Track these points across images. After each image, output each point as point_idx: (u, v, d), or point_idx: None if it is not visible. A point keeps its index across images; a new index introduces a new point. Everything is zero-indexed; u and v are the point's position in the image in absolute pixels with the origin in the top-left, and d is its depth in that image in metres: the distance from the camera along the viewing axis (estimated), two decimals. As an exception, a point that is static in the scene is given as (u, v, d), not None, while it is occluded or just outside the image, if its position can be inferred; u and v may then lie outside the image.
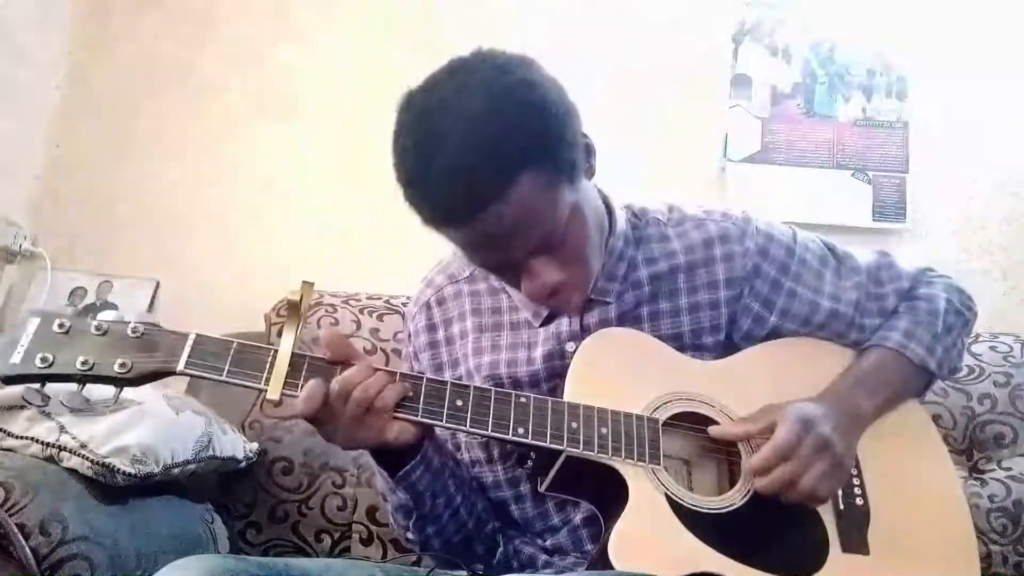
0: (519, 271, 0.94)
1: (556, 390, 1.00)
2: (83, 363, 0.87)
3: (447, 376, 1.10)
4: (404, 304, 1.68)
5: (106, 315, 0.91)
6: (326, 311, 1.67)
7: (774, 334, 1.09)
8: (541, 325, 1.08)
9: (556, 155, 0.90)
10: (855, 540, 0.97)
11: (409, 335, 1.18)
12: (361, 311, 1.68)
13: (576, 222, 0.94)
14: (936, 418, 1.50)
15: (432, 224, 0.92)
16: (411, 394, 0.91)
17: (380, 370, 0.91)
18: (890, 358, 1.08)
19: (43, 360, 0.86)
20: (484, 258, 0.95)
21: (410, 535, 1.07)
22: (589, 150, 0.98)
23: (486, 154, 0.85)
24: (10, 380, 0.87)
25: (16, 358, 0.86)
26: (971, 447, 1.53)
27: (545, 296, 0.96)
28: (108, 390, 0.89)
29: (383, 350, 1.62)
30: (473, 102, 0.87)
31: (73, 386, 0.88)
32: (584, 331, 1.05)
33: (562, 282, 0.95)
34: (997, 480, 1.47)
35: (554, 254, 0.93)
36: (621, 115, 1.87)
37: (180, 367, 0.88)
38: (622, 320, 1.06)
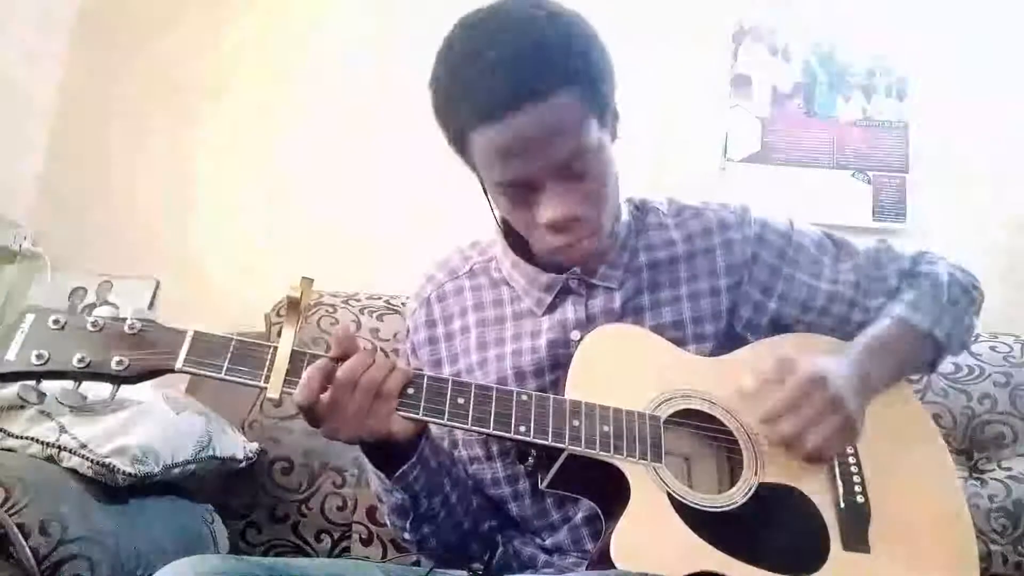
0: (537, 196, 0.95)
1: (560, 380, 1.00)
2: (79, 360, 0.85)
3: (446, 372, 1.09)
4: (404, 304, 1.68)
5: (102, 311, 0.90)
6: (326, 311, 1.67)
7: (776, 321, 1.09)
8: (544, 314, 1.08)
9: (597, 87, 0.93)
10: (856, 538, 0.97)
11: (408, 331, 1.17)
12: (361, 311, 1.68)
13: (600, 162, 0.95)
14: (936, 418, 1.50)
15: (463, 126, 0.92)
16: (412, 391, 0.91)
17: (381, 358, 0.90)
18: (897, 327, 1.07)
19: (39, 357, 0.84)
20: (508, 170, 0.93)
21: (407, 535, 1.06)
22: (616, 115, 1.01)
23: (540, 55, 0.88)
24: (5, 377, 0.85)
25: (11, 355, 0.85)
26: (971, 447, 1.53)
27: (560, 224, 0.95)
28: (105, 387, 0.87)
29: (383, 350, 1.62)
30: (535, 9, 0.91)
31: (69, 383, 0.86)
32: (589, 319, 1.05)
33: (577, 217, 0.95)
34: (997, 480, 1.47)
35: (575, 183, 0.94)
36: (621, 115, 1.87)
37: (178, 364, 0.87)
38: (625, 308, 1.06)
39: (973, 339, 1.19)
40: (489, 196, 1.02)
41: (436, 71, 0.95)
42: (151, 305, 1.93)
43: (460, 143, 0.95)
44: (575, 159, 0.92)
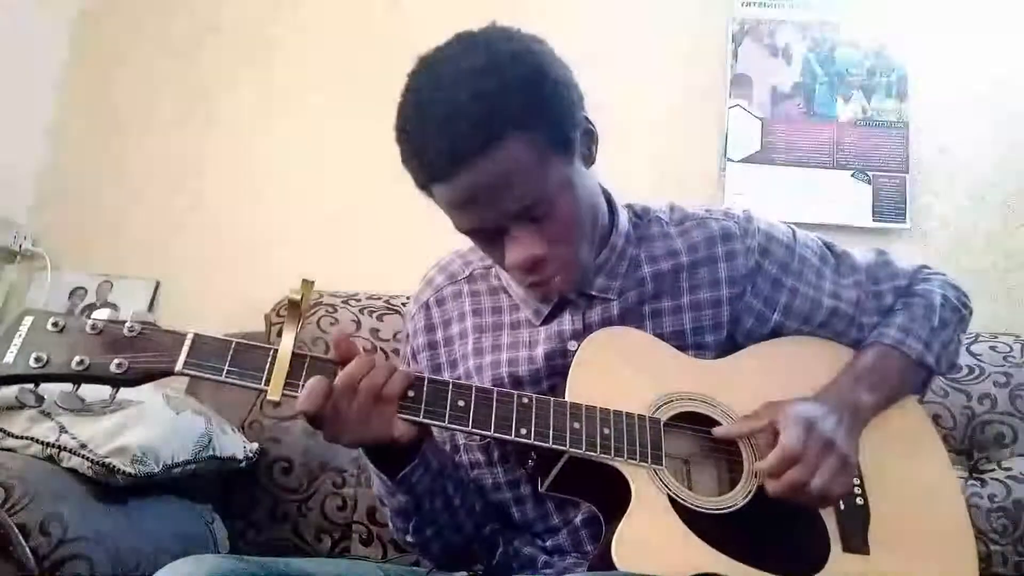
0: (503, 241, 0.94)
1: (557, 388, 1.00)
2: (78, 363, 0.84)
3: (445, 377, 1.09)
4: (404, 304, 1.68)
5: (101, 314, 0.89)
6: (326, 311, 1.67)
7: (776, 332, 1.09)
8: (542, 324, 1.07)
9: (550, 126, 0.91)
10: (856, 540, 0.97)
11: (408, 335, 1.18)
12: (361, 311, 1.68)
13: (566, 199, 0.94)
14: (936, 418, 1.51)
15: (423, 180, 0.93)
16: (412, 394, 0.91)
17: (381, 362, 0.90)
18: (888, 354, 1.08)
19: (37, 360, 0.84)
20: (466, 219, 0.94)
21: (409, 538, 1.07)
22: (591, 136, 0.99)
23: (477, 109, 0.87)
24: (3, 380, 0.85)
25: (9, 358, 0.84)
26: (971, 447, 1.53)
27: (526, 267, 0.95)
28: (104, 390, 0.87)
29: (383, 350, 1.62)
30: (475, 59, 0.89)
31: (68, 386, 0.86)
32: (586, 329, 1.05)
33: (544, 256, 0.94)
34: (997, 480, 1.47)
35: (539, 225, 0.93)
36: (621, 115, 1.87)
37: (178, 367, 0.86)
38: (624, 318, 1.05)
39: (967, 338, 1.19)
40: None
41: (396, 119, 0.95)
42: (151, 305, 1.93)
43: (423, 191, 0.96)
44: (534, 205, 0.91)
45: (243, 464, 1.47)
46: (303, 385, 0.87)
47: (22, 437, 1.19)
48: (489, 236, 0.96)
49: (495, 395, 0.93)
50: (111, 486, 1.19)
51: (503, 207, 0.91)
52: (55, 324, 0.86)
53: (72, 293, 1.94)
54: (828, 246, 1.15)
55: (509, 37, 0.93)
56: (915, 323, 1.09)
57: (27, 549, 1.02)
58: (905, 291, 1.14)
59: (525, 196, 0.90)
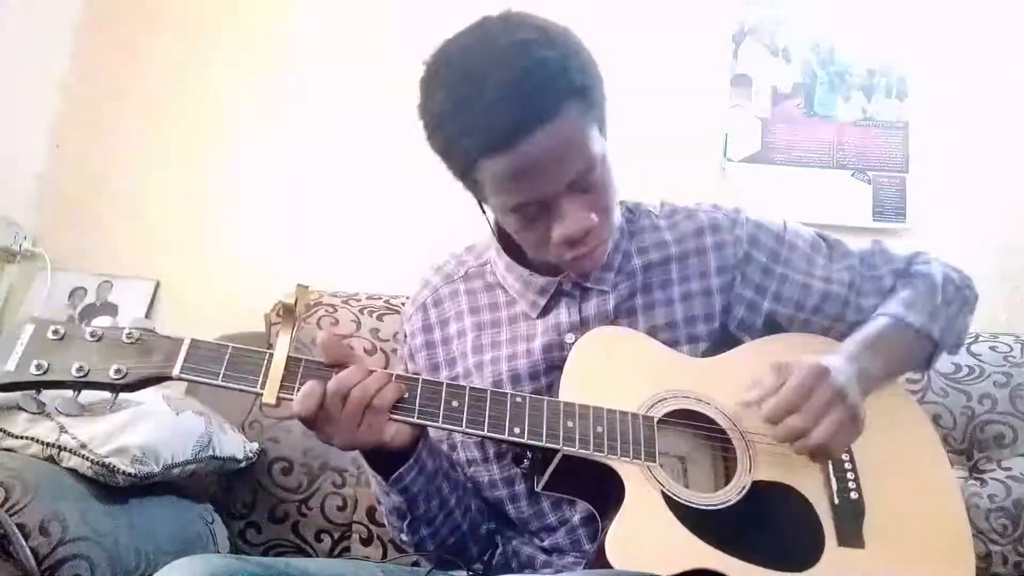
0: (550, 214, 0.94)
1: (555, 382, 1.00)
2: (78, 369, 0.86)
3: (443, 376, 1.10)
4: (404, 304, 1.68)
5: (100, 321, 0.91)
6: (326, 311, 1.67)
7: (769, 321, 1.10)
8: (539, 317, 1.08)
9: (594, 97, 0.94)
10: (851, 534, 0.97)
11: (405, 336, 1.18)
12: (361, 311, 1.68)
13: (605, 170, 0.96)
14: (936, 418, 1.51)
15: (473, 158, 0.92)
16: (407, 395, 0.91)
17: (376, 371, 0.91)
18: (892, 325, 1.07)
19: (38, 367, 0.86)
20: (522, 192, 0.93)
21: (404, 537, 1.07)
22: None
23: (538, 77, 0.88)
24: (5, 387, 0.87)
25: (11, 365, 0.86)
26: (971, 447, 1.53)
27: (578, 238, 0.95)
28: (104, 396, 0.89)
29: (383, 350, 1.62)
30: (519, 33, 0.91)
31: (69, 392, 0.88)
32: (583, 322, 1.05)
33: (591, 228, 0.95)
34: (997, 480, 1.47)
35: (587, 196, 0.95)
36: (620, 115, 1.86)
37: (175, 372, 0.88)
38: (618, 310, 1.06)
39: (968, 338, 1.19)
40: (495, 214, 1.02)
41: (429, 105, 0.94)
42: (151, 306, 1.92)
43: (467, 172, 0.95)
44: (586, 173, 0.93)
45: (243, 464, 1.48)
46: (298, 388, 0.88)
47: (22, 437, 1.19)
48: (534, 212, 0.95)
49: (488, 395, 0.93)
50: (111, 486, 1.20)
51: (561, 176, 0.92)
52: (55, 332, 0.88)
53: (72, 293, 1.94)
54: (821, 236, 1.16)
55: (536, 16, 0.95)
56: (918, 298, 1.09)
57: (27, 549, 1.02)
58: (904, 272, 1.14)
59: (581, 164, 0.92)
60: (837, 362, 0.97)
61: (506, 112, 0.88)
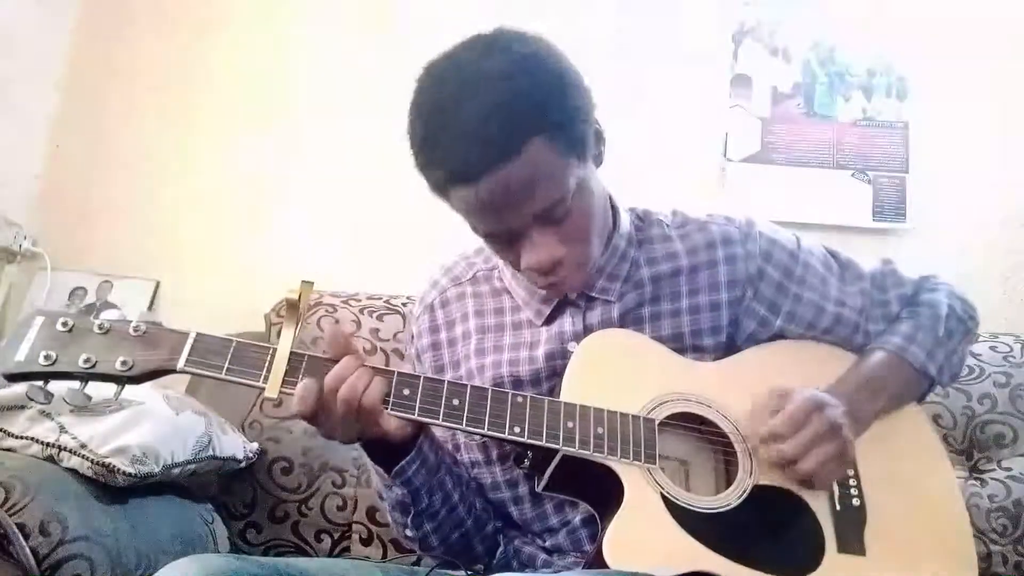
0: (519, 243, 0.95)
1: (556, 389, 1.01)
2: (85, 361, 0.88)
3: (448, 377, 1.10)
4: (404, 304, 1.68)
5: (109, 314, 0.92)
6: (326, 311, 1.67)
7: (779, 337, 1.09)
8: (543, 324, 1.08)
9: (570, 127, 0.92)
10: (851, 540, 0.97)
11: (412, 336, 1.18)
12: (361, 311, 1.68)
13: (581, 199, 0.95)
14: (936, 418, 1.51)
15: (443, 185, 0.93)
16: (408, 392, 0.92)
17: (365, 366, 0.91)
18: (891, 361, 1.08)
19: (47, 358, 0.87)
20: (488, 223, 0.95)
21: (408, 532, 1.07)
22: (599, 137, 1.00)
23: (503, 114, 0.87)
24: (14, 377, 0.88)
25: (20, 355, 0.88)
26: (971, 447, 1.53)
27: (545, 268, 0.96)
28: (109, 388, 0.90)
29: (383, 350, 1.63)
30: (493, 64, 0.90)
31: (75, 384, 0.89)
32: (587, 330, 1.05)
33: (562, 258, 0.95)
34: (997, 480, 1.47)
35: (557, 227, 0.94)
36: (620, 115, 1.87)
37: (180, 365, 0.89)
38: (624, 320, 1.06)
39: (963, 369, 1.20)
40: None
41: (410, 125, 0.95)
42: (151, 305, 1.93)
43: (440, 196, 0.95)
44: (554, 207, 0.93)
45: (243, 464, 1.48)
46: (300, 383, 0.89)
47: (22, 437, 1.19)
48: (506, 239, 0.97)
49: (489, 394, 0.93)
50: (111, 486, 1.20)
51: (526, 210, 0.92)
52: (64, 324, 0.90)
53: (72, 293, 1.94)
54: (832, 254, 1.15)
55: (524, 40, 0.94)
56: (920, 332, 1.09)
57: (27, 549, 1.02)
58: (911, 299, 1.14)
59: (547, 198, 0.92)
60: (833, 398, 0.98)
61: (469, 147, 0.88)
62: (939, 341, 1.09)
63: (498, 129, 0.87)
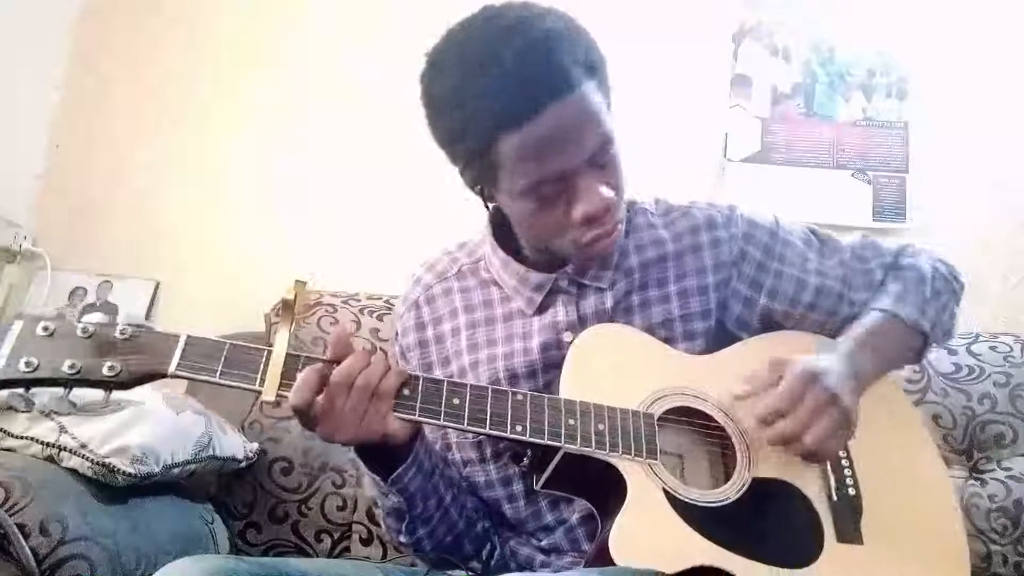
0: (569, 191, 0.94)
1: (553, 381, 1.00)
2: (70, 367, 0.83)
3: (437, 376, 1.09)
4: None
5: (92, 317, 0.89)
6: (326, 311, 1.67)
7: (765, 318, 1.10)
8: (535, 314, 1.08)
9: (604, 75, 0.96)
10: (849, 530, 0.98)
11: (396, 334, 1.17)
12: (361, 311, 1.68)
13: (616, 149, 0.97)
14: (936, 418, 1.51)
15: (489, 135, 0.91)
16: (408, 392, 0.91)
17: (377, 356, 0.90)
18: (885, 320, 1.08)
19: (27, 364, 0.83)
20: (543, 167, 0.93)
21: (402, 538, 1.06)
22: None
23: (556, 50, 0.89)
24: None
25: None
26: (971, 447, 1.53)
27: (600, 213, 0.95)
28: (96, 393, 0.86)
29: (383, 350, 1.62)
30: (535, 8, 0.92)
31: (59, 390, 0.85)
32: (580, 320, 1.05)
33: (612, 203, 0.96)
34: (997, 480, 1.47)
35: (603, 175, 0.95)
36: (621, 114, 1.86)
37: (171, 369, 0.86)
38: (616, 308, 1.06)
39: (967, 338, 1.20)
40: (507, 201, 1.00)
41: (436, 89, 0.94)
42: (151, 305, 1.93)
43: (482, 153, 0.93)
44: (603, 148, 0.94)
45: (243, 464, 1.48)
46: None
47: (22, 437, 1.19)
48: (551, 191, 0.95)
49: (489, 392, 0.93)
50: (111, 486, 1.20)
51: (580, 150, 0.92)
52: (45, 328, 0.85)
53: (72, 293, 1.94)
54: (812, 231, 1.17)
55: (535, 4, 0.95)
56: (908, 292, 1.10)
57: (27, 549, 1.03)
58: (893, 266, 1.15)
59: (600, 137, 0.93)
60: (830, 363, 0.98)
61: (522, 85, 0.88)
62: (927, 299, 1.10)
63: (551, 63, 0.88)
